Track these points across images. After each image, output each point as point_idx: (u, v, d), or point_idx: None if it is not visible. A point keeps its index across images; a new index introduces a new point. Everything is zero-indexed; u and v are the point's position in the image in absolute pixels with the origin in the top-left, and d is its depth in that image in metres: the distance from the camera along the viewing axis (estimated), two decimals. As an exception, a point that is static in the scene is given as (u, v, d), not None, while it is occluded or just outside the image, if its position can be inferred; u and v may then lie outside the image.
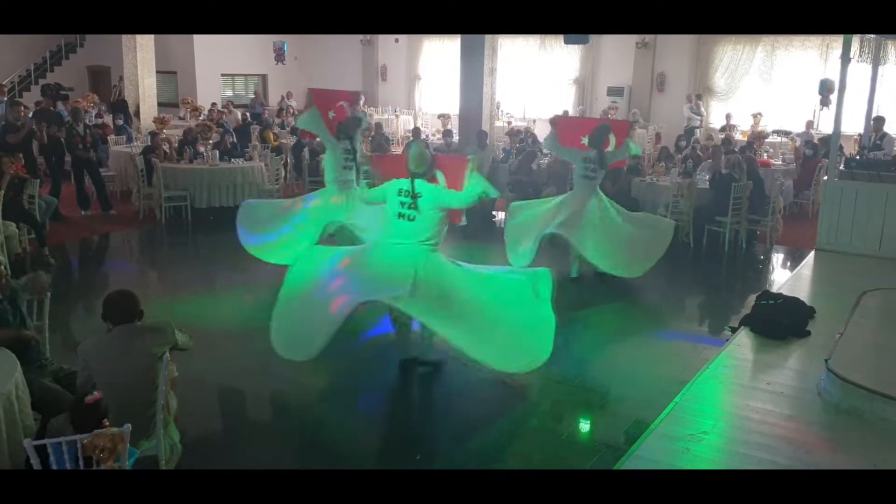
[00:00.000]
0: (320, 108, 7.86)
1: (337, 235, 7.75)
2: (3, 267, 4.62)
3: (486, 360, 5.32)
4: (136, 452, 3.69)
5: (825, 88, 14.73)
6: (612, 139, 8.30)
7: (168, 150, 11.60)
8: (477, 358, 5.30)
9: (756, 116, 16.51)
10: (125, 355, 3.98)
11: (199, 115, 15.14)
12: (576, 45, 17.94)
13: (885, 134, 11.66)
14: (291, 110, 18.12)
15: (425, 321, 5.37)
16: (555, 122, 9.37)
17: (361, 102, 8.09)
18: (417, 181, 5.42)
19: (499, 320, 5.44)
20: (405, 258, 5.39)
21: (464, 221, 5.96)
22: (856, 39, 9.81)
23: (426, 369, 5.96)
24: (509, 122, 18.36)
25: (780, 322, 6.29)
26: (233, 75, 22.42)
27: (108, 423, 3.37)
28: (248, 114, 17.32)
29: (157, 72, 17.09)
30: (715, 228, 10.16)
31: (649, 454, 4.35)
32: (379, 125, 15.76)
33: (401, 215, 5.43)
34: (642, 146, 15.18)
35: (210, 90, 20.61)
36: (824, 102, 15.26)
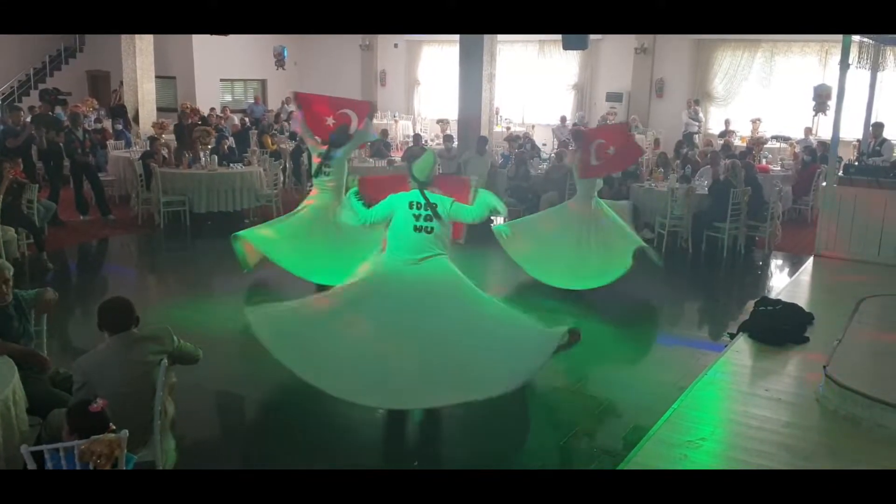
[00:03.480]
0: (305, 110, 7.88)
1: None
2: (8, 273, 4.59)
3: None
4: (134, 458, 3.68)
5: (817, 94, 14.76)
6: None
7: (167, 155, 11.61)
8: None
9: (755, 122, 16.54)
10: (124, 364, 3.97)
11: (197, 120, 15.06)
12: (575, 51, 17.94)
13: (885, 140, 11.66)
14: (292, 115, 18.11)
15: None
16: (579, 136, 9.10)
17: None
18: (427, 192, 5.24)
19: (482, 343, 5.12)
20: (428, 275, 5.18)
21: (463, 240, 5.87)
22: (855, 45, 9.83)
23: None
24: (508, 128, 18.39)
25: (779, 328, 6.30)
26: (232, 80, 22.42)
27: (113, 428, 3.37)
28: (246, 118, 17.32)
29: (157, 77, 17.09)
30: (713, 234, 10.16)
31: (647, 460, 4.35)
32: (384, 132, 15.80)
33: (418, 228, 5.20)
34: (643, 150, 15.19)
35: (209, 95, 20.61)
36: (819, 109, 15.29)
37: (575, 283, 7.88)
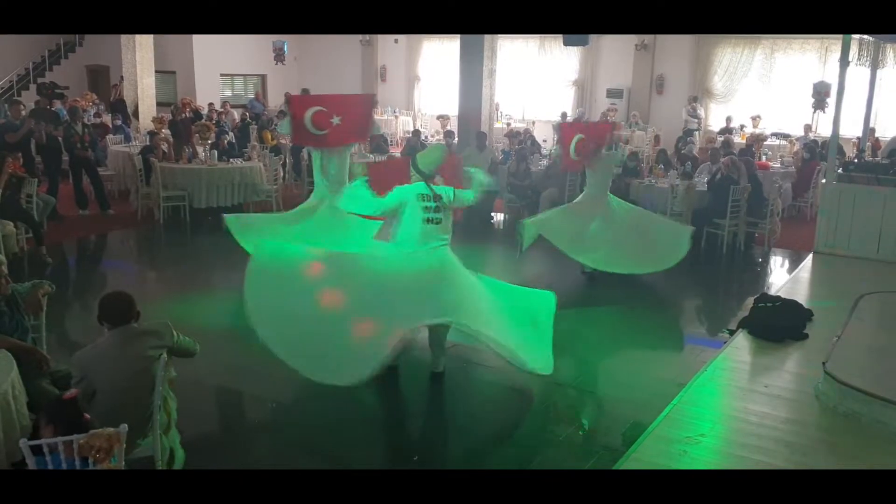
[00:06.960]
0: (297, 115, 7.60)
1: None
2: (3, 268, 4.58)
3: (517, 355, 5.36)
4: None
5: (816, 91, 14.75)
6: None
7: (166, 150, 11.59)
8: (511, 351, 5.32)
9: (755, 119, 16.53)
10: (123, 358, 3.97)
11: (189, 112, 14.93)
12: (575, 47, 17.92)
13: None
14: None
15: (468, 323, 5.25)
16: (558, 127, 9.19)
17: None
18: (430, 184, 5.51)
19: (513, 320, 5.60)
20: (433, 263, 5.42)
21: (461, 219, 6.07)
22: (854, 42, 9.82)
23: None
24: (508, 124, 18.36)
25: (778, 325, 6.30)
26: (232, 75, 22.40)
27: (88, 417, 3.37)
28: (246, 114, 17.29)
29: (156, 71, 17.08)
30: (713, 231, 10.16)
31: (647, 456, 4.35)
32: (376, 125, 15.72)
33: (428, 220, 5.47)
34: (641, 148, 15.21)
35: (209, 90, 20.59)
36: (818, 106, 15.27)
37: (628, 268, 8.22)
